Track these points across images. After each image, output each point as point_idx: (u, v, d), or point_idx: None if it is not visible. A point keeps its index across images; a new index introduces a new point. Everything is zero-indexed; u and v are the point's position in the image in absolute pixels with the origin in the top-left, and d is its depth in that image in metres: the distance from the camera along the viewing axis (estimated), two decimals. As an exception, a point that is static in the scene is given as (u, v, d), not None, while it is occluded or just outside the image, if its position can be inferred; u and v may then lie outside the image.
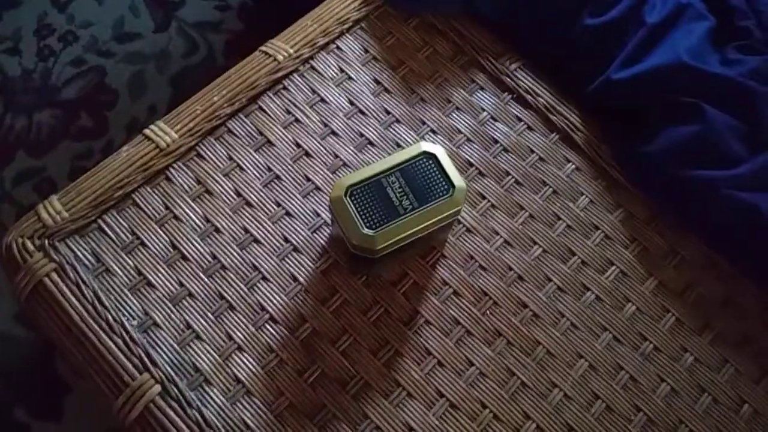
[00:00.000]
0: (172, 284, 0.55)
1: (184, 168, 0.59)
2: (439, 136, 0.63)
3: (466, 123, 0.64)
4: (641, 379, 0.55)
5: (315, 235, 0.58)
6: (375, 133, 0.62)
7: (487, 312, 0.56)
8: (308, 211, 0.59)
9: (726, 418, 0.55)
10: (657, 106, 0.61)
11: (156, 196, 0.58)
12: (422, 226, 0.51)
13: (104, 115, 1.11)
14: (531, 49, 0.67)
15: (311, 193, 0.59)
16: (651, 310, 0.58)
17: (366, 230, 0.51)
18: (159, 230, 0.57)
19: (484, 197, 0.61)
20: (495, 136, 0.63)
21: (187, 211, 0.58)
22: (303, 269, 0.56)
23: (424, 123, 0.63)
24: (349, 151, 0.61)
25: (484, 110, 0.65)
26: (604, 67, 0.63)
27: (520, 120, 0.64)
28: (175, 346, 0.53)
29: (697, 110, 0.59)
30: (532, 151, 0.63)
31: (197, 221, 0.57)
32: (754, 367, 0.56)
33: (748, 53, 0.61)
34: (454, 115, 0.64)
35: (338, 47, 0.66)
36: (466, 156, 0.62)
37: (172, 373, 0.52)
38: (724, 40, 0.63)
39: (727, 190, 0.56)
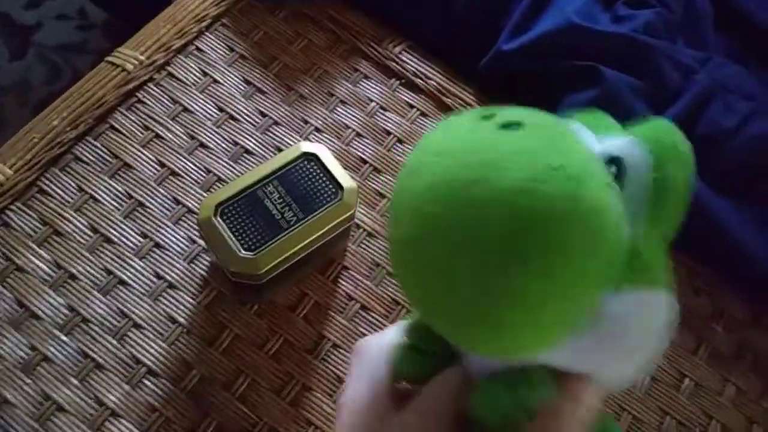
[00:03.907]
0: (22, 349, 0.45)
1: (24, 208, 0.50)
2: (325, 135, 0.56)
3: (354, 117, 0.57)
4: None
5: (192, 266, 0.49)
6: (251, 139, 0.55)
7: (401, 324, 0.49)
8: (181, 240, 0.50)
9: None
10: (553, 74, 0.57)
11: (-8, 247, 0.48)
12: (311, 238, 0.44)
13: (-40, 160, 0.97)
14: (415, 30, 0.61)
15: (183, 218, 0.51)
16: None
17: (244, 253, 0.43)
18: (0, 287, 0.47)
19: (383, 195, 0.54)
20: (387, 127, 0.57)
21: (33, 258, 0.48)
22: (182, 308, 0.48)
23: (306, 122, 0.56)
24: (223, 163, 0.53)
25: (371, 101, 0.58)
26: (494, 39, 0.59)
27: (411, 107, 0.59)
28: (33, 423, 0.44)
29: (595, 73, 0.55)
30: (429, 139, 0.57)
31: (46, 269, 0.48)
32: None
33: (639, 7, 0.58)
34: (340, 109, 0.57)
35: (198, 48, 0.58)
36: (358, 152, 0.56)
37: (31, 459, 0.42)
38: (612, -2, 0.60)
39: None
